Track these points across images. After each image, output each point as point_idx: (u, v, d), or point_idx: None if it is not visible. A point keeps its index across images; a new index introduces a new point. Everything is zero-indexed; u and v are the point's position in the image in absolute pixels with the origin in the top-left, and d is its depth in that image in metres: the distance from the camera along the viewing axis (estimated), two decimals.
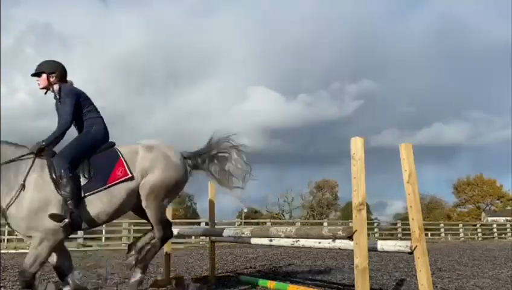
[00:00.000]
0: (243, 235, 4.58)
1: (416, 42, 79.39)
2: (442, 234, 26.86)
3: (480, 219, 50.59)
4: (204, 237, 13.30)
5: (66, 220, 3.51)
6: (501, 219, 42.41)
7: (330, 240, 3.75)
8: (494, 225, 31.04)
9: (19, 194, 3.51)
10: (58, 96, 3.98)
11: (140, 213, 4.21)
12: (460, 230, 27.86)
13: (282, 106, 67.44)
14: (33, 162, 3.65)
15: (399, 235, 24.12)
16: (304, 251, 11.78)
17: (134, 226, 20.55)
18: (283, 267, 8.12)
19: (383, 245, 3.69)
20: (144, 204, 3.95)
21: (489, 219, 48.28)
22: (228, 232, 4.98)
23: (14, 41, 68.11)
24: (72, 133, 4.04)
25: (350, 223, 3.45)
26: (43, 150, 3.72)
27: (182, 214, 48.03)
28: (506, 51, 75.49)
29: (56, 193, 3.57)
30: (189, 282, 5.67)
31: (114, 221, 19.38)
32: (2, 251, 12.58)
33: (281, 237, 4.12)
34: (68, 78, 4.12)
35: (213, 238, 5.70)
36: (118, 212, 3.92)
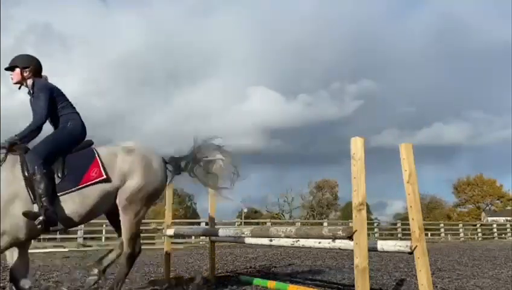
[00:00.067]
0: (242, 235, 4.58)
1: (416, 42, 79.49)
2: (442, 234, 26.86)
3: (480, 219, 50.60)
4: (204, 237, 13.31)
5: (41, 217, 3.38)
6: (501, 219, 42.42)
7: (330, 240, 3.75)
8: (494, 225, 31.03)
9: None
10: (31, 92, 3.84)
11: (112, 219, 4.06)
12: (460, 230, 27.86)
13: (282, 106, 67.52)
14: (5, 158, 3.52)
15: (399, 235, 24.11)
16: (304, 251, 11.78)
17: None
18: (283, 267, 8.12)
19: (383, 245, 3.69)
20: (120, 213, 3.81)
21: (489, 219, 48.28)
22: (228, 232, 4.98)
23: (14, 41, 68.01)
24: (47, 130, 3.89)
25: (350, 223, 3.45)
26: (16, 145, 3.59)
27: (182, 214, 48.05)
28: (506, 51, 75.56)
29: (25, 190, 3.45)
30: (192, 282, 5.67)
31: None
32: None
33: (281, 237, 4.12)
34: (43, 74, 3.99)
35: (213, 238, 5.70)
36: (91, 214, 3.75)
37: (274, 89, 72.89)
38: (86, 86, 67.95)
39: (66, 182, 3.60)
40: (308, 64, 76.32)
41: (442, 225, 28.22)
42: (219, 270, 6.96)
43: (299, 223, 26.40)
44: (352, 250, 3.16)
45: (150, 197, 3.93)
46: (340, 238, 3.34)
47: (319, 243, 4.02)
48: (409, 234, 3.47)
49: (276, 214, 50.50)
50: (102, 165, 3.70)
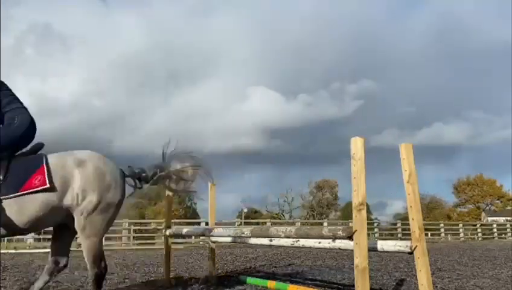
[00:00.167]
0: (242, 235, 4.57)
1: (416, 42, 79.49)
2: (442, 234, 26.88)
3: (480, 219, 50.61)
4: (204, 237, 13.32)
5: None
6: (501, 219, 42.43)
7: (330, 240, 3.75)
8: (494, 225, 31.06)
9: None
10: None
11: (55, 236, 3.77)
12: (460, 230, 27.88)
13: (282, 106, 67.55)
14: None
15: (399, 235, 24.12)
16: (304, 251, 11.78)
17: (134, 226, 20.59)
18: (283, 267, 8.12)
19: (383, 245, 3.69)
20: (79, 235, 3.54)
21: (489, 219, 48.30)
22: (228, 232, 4.98)
23: (14, 41, 68.08)
24: None
25: (350, 223, 3.44)
26: None
27: (182, 214, 48.06)
28: (506, 51, 75.44)
29: None
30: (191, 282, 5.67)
31: (114, 221, 19.17)
32: (2, 251, 12.58)
33: (281, 237, 4.12)
34: None
35: (213, 238, 5.70)
36: (30, 225, 3.37)
37: (274, 89, 72.91)
38: (86, 86, 68.11)
39: (6, 186, 3.27)
40: (308, 64, 76.39)
41: (442, 225, 28.25)
42: (219, 270, 6.96)
43: (299, 223, 26.42)
44: (352, 250, 3.16)
45: (107, 213, 3.55)
46: (340, 238, 3.33)
47: (319, 243, 4.02)
48: (409, 234, 3.47)
49: (276, 214, 50.52)
50: (49, 174, 3.34)
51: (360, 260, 3.03)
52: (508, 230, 29.32)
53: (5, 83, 3.68)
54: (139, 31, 78.19)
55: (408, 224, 3.49)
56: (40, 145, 3.62)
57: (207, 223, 6.78)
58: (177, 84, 78.71)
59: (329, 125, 71.81)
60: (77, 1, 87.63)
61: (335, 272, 7.03)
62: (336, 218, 50.33)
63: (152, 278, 6.25)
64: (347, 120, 70.17)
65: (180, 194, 4.31)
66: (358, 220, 3.08)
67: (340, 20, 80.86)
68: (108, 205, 3.53)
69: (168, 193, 5.69)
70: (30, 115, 3.64)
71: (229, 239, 5.36)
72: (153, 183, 3.94)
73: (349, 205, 37.29)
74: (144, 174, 3.90)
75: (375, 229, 25.88)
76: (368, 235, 6.54)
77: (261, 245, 7.19)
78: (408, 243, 3.41)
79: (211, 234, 5.14)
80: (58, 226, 3.68)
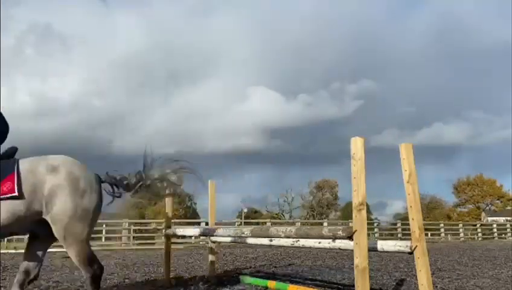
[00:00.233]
0: (242, 235, 4.58)
1: (416, 42, 79.48)
2: (442, 234, 26.88)
3: (480, 219, 50.61)
4: (204, 237, 13.33)
5: None
6: (501, 219, 42.43)
7: (330, 240, 3.75)
8: (494, 225, 31.05)
9: None
10: None
11: (29, 245, 3.66)
12: (460, 230, 27.87)
13: (282, 106, 67.55)
14: None
15: (399, 235, 24.13)
16: (304, 251, 11.78)
17: (134, 226, 20.59)
18: (283, 267, 8.12)
19: (383, 245, 3.69)
20: (61, 243, 3.48)
21: (489, 219, 48.29)
22: (228, 232, 4.98)
23: (14, 41, 68.11)
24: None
25: (350, 223, 3.44)
26: None
27: (182, 214, 48.06)
28: (506, 51, 75.45)
29: None
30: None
31: (114, 221, 19.36)
32: (2, 251, 12.59)
33: (281, 237, 4.12)
34: None
35: (213, 238, 5.70)
36: None
37: (274, 89, 72.92)
38: (86, 86, 68.09)
39: None
40: (308, 64, 76.39)
41: (442, 225, 28.23)
42: (219, 270, 6.96)
43: (299, 223, 26.41)
44: (352, 250, 3.16)
45: (85, 219, 3.44)
46: (340, 238, 3.33)
47: (319, 243, 4.02)
48: (409, 234, 3.47)
49: (276, 214, 50.53)
50: (18, 181, 3.26)
51: (360, 260, 3.03)
52: (508, 230, 29.31)
53: None
54: (139, 31, 78.23)
55: (408, 224, 3.49)
56: (14, 150, 3.52)
57: (207, 223, 6.79)
58: (177, 84, 78.76)
59: (329, 125, 71.88)
60: (77, 1, 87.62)
61: (335, 272, 7.03)
62: (336, 218, 50.32)
63: (152, 278, 6.25)
64: (347, 120, 70.24)
65: (168, 197, 4.20)
66: (358, 220, 3.08)
67: (340, 20, 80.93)
68: (85, 211, 3.43)
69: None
70: (1, 114, 3.58)
71: (229, 239, 5.36)
72: (135, 192, 3.83)
73: (349, 205, 37.30)
74: (125, 182, 3.79)
75: (375, 229, 25.88)
76: (368, 235, 6.54)
77: (261, 245, 7.19)
78: (408, 243, 3.41)
79: (211, 234, 5.15)
80: (31, 235, 3.62)
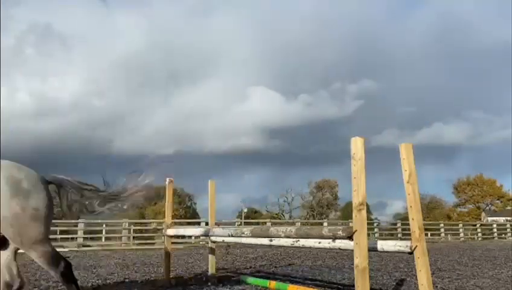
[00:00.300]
0: (242, 235, 4.58)
1: (417, 42, 79.50)
2: (442, 234, 26.87)
3: (480, 219, 50.61)
4: (204, 237, 13.34)
5: None
6: (501, 219, 42.42)
7: (330, 240, 3.75)
8: (494, 225, 31.04)
9: None
10: None
11: None
12: (460, 230, 27.87)
13: (282, 106, 67.59)
14: None
15: (399, 235, 24.13)
16: (304, 251, 11.78)
17: (134, 226, 20.59)
18: (283, 267, 8.12)
19: (383, 245, 3.69)
20: (23, 250, 3.42)
21: (489, 219, 48.29)
22: (228, 232, 4.98)
23: (15, 41, 68.13)
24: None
25: (350, 223, 3.44)
26: None
27: (182, 214, 48.08)
28: (506, 51, 75.39)
29: None
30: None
31: (114, 221, 19.29)
32: (2, 251, 12.57)
33: (281, 237, 4.12)
34: None
35: (213, 238, 5.70)
36: None
37: (274, 89, 72.98)
38: (86, 86, 68.09)
39: None
40: (308, 64, 76.40)
41: (442, 225, 28.22)
42: (219, 270, 6.97)
43: (299, 223, 26.40)
44: (352, 250, 3.16)
45: (37, 220, 3.36)
46: (340, 238, 3.33)
47: (319, 243, 4.02)
48: (409, 234, 3.47)
49: (276, 214, 50.52)
50: None
51: (360, 260, 3.03)
52: (508, 230, 29.31)
53: None
54: (139, 31, 78.21)
55: (408, 224, 3.49)
56: None
57: (207, 223, 6.79)
58: (177, 84, 78.74)
59: (330, 125, 71.93)
60: (77, 1, 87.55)
61: (335, 272, 7.03)
62: (336, 218, 50.33)
63: (152, 278, 6.25)
64: (347, 120, 70.26)
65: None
66: (358, 220, 3.08)
67: (340, 20, 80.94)
68: (36, 211, 3.36)
69: (167, 194, 5.70)
70: None
71: (229, 239, 5.36)
72: (80, 196, 3.76)
73: (349, 205, 37.29)
74: (86, 188, 3.77)
75: (375, 229, 25.86)
76: (368, 235, 6.54)
77: (261, 245, 7.19)
78: (408, 243, 3.41)
79: (211, 234, 5.15)
80: None
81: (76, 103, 66.79)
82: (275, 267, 8.11)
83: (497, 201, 58.03)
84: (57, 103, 66.22)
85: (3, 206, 3.24)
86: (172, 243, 6.61)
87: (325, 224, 26.43)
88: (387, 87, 74.64)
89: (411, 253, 3.38)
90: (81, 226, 17.04)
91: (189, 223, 25.80)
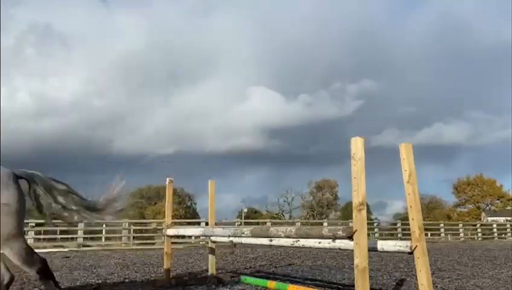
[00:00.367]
0: (242, 235, 4.57)
1: (417, 42, 79.61)
2: (442, 234, 26.87)
3: (480, 219, 50.62)
4: (204, 237, 13.34)
5: None
6: (501, 219, 42.43)
7: (330, 240, 3.75)
8: (494, 225, 31.04)
9: None
10: None
11: None
12: (460, 230, 27.87)
13: (282, 106, 67.68)
14: None
15: (399, 235, 24.13)
16: (304, 251, 11.78)
17: (134, 226, 20.59)
18: (283, 267, 8.12)
19: (383, 245, 3.69)
20: None
21: (489, 219, 48.30)
22: (228, 232, 4.98)
23: (15, 41, 68.16)
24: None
25: (350, 223, 3.44)
26: None
27: (182, 214, 48.07)
28: (506, 51, 75.53)
29: None
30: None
31: (114, 221, 19.26)
32: (2, 251, 12.57)
33: (281, 237, 4.12)
34: None
35: (213, 238, 5.70)
36: None
37: (274, 89, 73.02)
38: (86, 86, 68.14)
39: None
40: (308, 64, 76.42)
41: (442, 225, 28.22)
42: (219, 270, 6.96)
43: (299, 223, 26.40)
44: (352, 250, 3.16)
45: (9, 215, 3.34)
46: (340, 238, 3.33)
47: (319, 243, 4.02)
48: (409, 234, 3.47)
49: (276, 214, 50.54)
50: None
51: (360, 260, 3.03)
52: (508, 230, 29.31)
53: None
54: (139, 31, 78.23)
55: (408, 224, 3.49)
56: None
57: (207, 223, 6.79)
58: (177, 84, 78.81)
59: (329, 125, 71.94)
60: (77, 1, 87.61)
61: (335, 272, 7.03)
62: (336, 218, 50.34)
63: (152, 278, 6.25)
64: (347, 120, 70.30)
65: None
66: (358, 220, 3.08)
67: (341, 20, 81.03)
68: (6, 206, 3.33)
69: (167, 194, 5.70)
70: None
71: (229, 239, 5.35)
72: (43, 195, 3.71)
73: (349, 205, 37.29)
74: (45, 182, 3.72)
75: (375, 229, 25.86)
76: (368, 235, 6.54)
77: (261, 245, 7.19)
78: (408, 243, 3.41)
79: (211, 234, 5.15)
80: None
81: (76, 103, 66.90)
82: (275, 267, 8.11)
83: (497, 201, 58.05)
84: (57, 103, 66.35)
85: None
86: (172, 243, 6.61)
87: (325, 224, 26.42)
88: (387, 87, 74.75)
89: (411, 253, 3.38)
90: (81, 226, 17.04)
91: (189, 223, 25.79)
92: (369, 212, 41.63)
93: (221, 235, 5.11)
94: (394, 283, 5.85)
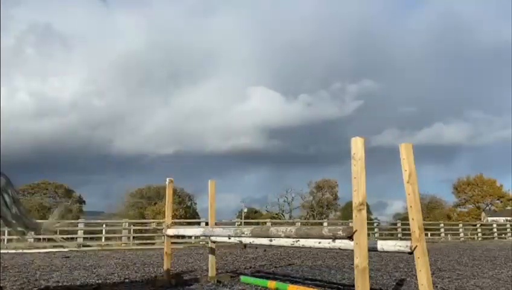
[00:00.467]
0: (242, 235, 4.57)
1: (417, 42, 79.62)
2: (442, 234, 26.86)
3: (480, 219, 50.59)
4: (204, 237, 13.35)
5: None
6: (501, 219, 42.42)
7: (330, 240, 3.75)
8: (494, 225, 31.02)
9: None
10: None
11: None
12: (460, 230, 27.86)
13: (282, 106, 67.70)
14: None
15: (399, 235, 24.13)
16: (304, 251, 11.78)
17: (134, 226, 20.59)
18: (283, 267, 8.12)
19: (383, 245, 3.69)
20: None
21: (489, 219, 48.28)
22: (228, 232, 4.98)
23: (15, 41, 68.16)
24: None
25: (350, 223, 3.44)
26: None
27: (182, 214, 48.04)
28: (506, 51, 75.55)
29: None
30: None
31: (114, 221, 19.30)
32: (2, 251, 12.58)
33: (281, 237, 4.12)
34: None
35: (213, 238, 5.70)
36: None
37: (274, 89, 73.05)
38: (86, 86, 68.11)
39: None
40: (308, 64, 76.43)
41: (442, 225, 28.21)
42: (219, 270, 6.96)
43: (299, 223, 26.40)
44: (352, 250, 3.16)
45: None
46: (340, 238, 3.33)
47: (319, 243, 4.02)
48: (409, 234, 3.47)
49: (276, 214, 50.52)
50: None
51: (360, 260, 3.03)
52: (508, 230, 29.30)
53: None
54: (139, 31, 78.22)
55: (408, 224, 3.49)
56: None
57: (207, 223, 6.80)
58: (177, 84, 78.79)
59: (330, 125, 71.95)
60: (77, 1, 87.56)
61: (335, 272, 7.03)
62: (336, 218, 50.32)
63: (152, 278, 6.25)
64: (347, 120, 70.31)
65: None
66: (358, 220, 3.08)
67: (341, 20, 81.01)
68: None
69: (167, 194, 5.70)
70: None
71: (232, 239, 5.35)
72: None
73: (349, 205, 37.28)
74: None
75: (375, 229, 25.86)
76: (368, 235, 6.54)
77: (261, 245, 7.19)
78: (408, 243, 3.41)
79: (211, 234, 5.14)
80: None
81: (76, 103, 66.87)
82: (275, 267, 8.11)
83: (497, 201, 58.01)
84: (57, 103, 66.31)
85: None
86: (172, 243, 6.61)
87: (325, 224, 26.43)
88: (387, 87, 74.75)
89: (411, 253, 3.38)
90: (81, 226, 17.05)
91: (189, 223, 25.79)
92: (369, 212, 41.64)
93: (221, 235, 5.11)
94: (394, 283, 5.85)
